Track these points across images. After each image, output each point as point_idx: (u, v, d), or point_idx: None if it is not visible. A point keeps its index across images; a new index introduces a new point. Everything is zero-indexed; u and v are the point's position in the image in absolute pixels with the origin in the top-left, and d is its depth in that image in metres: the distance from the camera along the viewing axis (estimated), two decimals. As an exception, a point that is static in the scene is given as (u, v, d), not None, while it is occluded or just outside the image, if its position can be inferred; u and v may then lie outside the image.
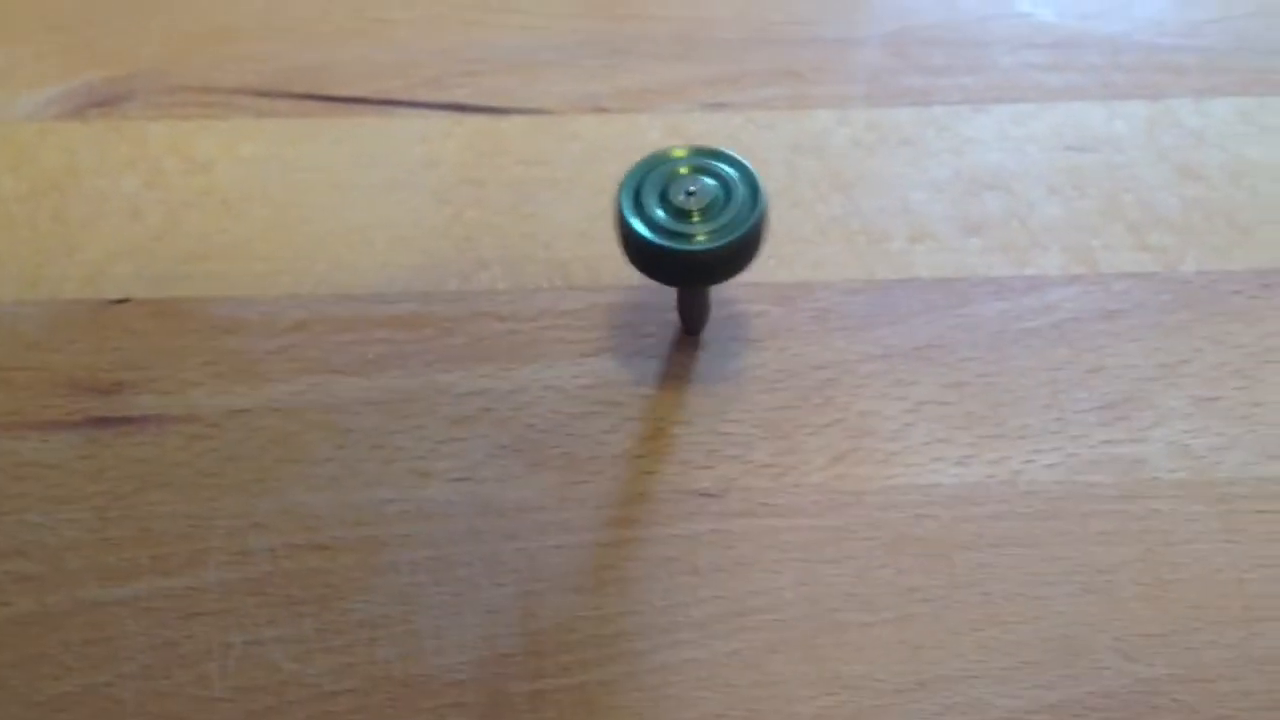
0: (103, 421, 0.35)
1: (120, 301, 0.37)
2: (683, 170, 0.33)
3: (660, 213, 0.32)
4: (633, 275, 0.37)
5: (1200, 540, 0.34)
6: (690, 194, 0.33)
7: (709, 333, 0.37)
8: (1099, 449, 0.35)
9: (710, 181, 0.33)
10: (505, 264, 0.39)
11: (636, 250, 0.33)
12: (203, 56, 0.43)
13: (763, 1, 0.46)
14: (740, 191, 0.33)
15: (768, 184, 0.38)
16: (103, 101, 0.42)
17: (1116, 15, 0.45)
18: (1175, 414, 0.36)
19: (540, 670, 0.32)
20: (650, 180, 0.33)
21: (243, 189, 0.40)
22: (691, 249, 0.32)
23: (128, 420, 0.35)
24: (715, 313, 0.37)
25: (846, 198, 0.40)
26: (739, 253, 0.33)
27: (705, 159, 0.33)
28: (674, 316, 0.37)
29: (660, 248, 0.32)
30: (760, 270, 0.38)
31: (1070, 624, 0.33)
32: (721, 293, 0.38)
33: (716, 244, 0.32)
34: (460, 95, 0.42)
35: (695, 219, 0.32)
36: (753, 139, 0.42)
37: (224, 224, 0.39)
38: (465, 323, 0.37)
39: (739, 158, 0.33)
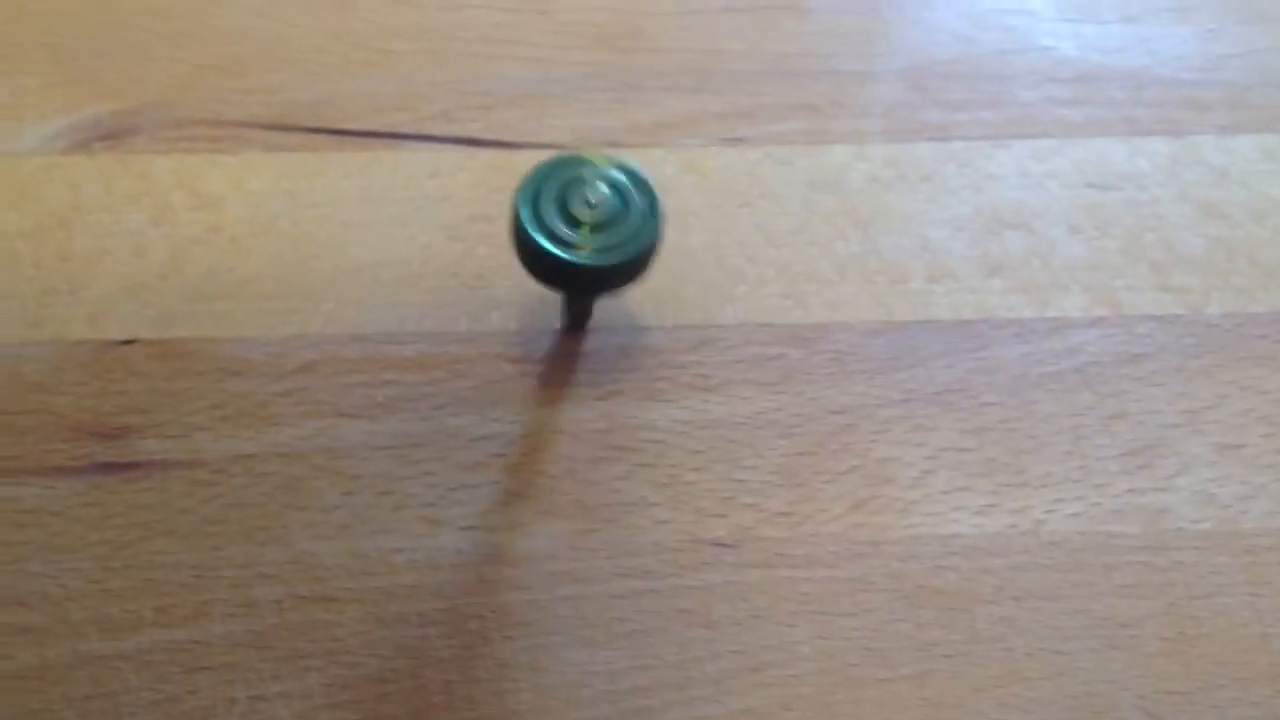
0: (107, 467, 0.34)
1: (126, 343, 0.36)
2: (586, 176, 0.32)
3: (556, 218, 0.32)
4: (645, 317, 0.36)
5: (1225, 593, 0.33)
6: (589, 205, 0.32)
7: (723, 374, 0.37)
8: (1122, 498, 0.35)
9: (610, 193, 0.32)
10: (517, 304, 0.38)
11: (526, 252, 0.32)
12: (210, 89, 0.42)
13: (777, 34, 0.45)
14: (638, 208, 0.32)
15: (784, 220, 0.38)
16: (109, 135, 0.41)
17: (1138, 50, 0.44)
18: (1200, 462, 0.35)
19: (551, 727, 0.31)
20: (551, 184, 0.32)
21: (251, 225, 0.39)
22: (576, 261, 0.31)
23: (132, 466, 0.34)
24: (731, 354, 0.37)
25: (864, 235, 0.40)
26: (626, 271, 0.32)
27: (614, 171, 0.33)
28: (686, 360, 0.37)
29: (546, 254, 0.31)
30: (777, 311, 0.37)
31: (1093, 680, 0.32)
32: (738, 334, 0.37)
33: (603, 260, 0.31)
34: (471, 129, 0.42)
35: (586, 231, 0.32)
36: (769, 174, 0.41)
37: (231, 261, 0.38)
38: (476, 364, 0.37)
39: (644, 175, 0.33)
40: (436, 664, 0.32)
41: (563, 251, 0.31)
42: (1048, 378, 0.37)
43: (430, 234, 0.39)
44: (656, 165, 0.41)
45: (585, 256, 0.31)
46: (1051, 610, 0.33)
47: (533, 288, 0.37)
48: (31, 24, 0.44)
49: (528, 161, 0.40)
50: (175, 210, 0.39)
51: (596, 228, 0.32)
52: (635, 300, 0.38)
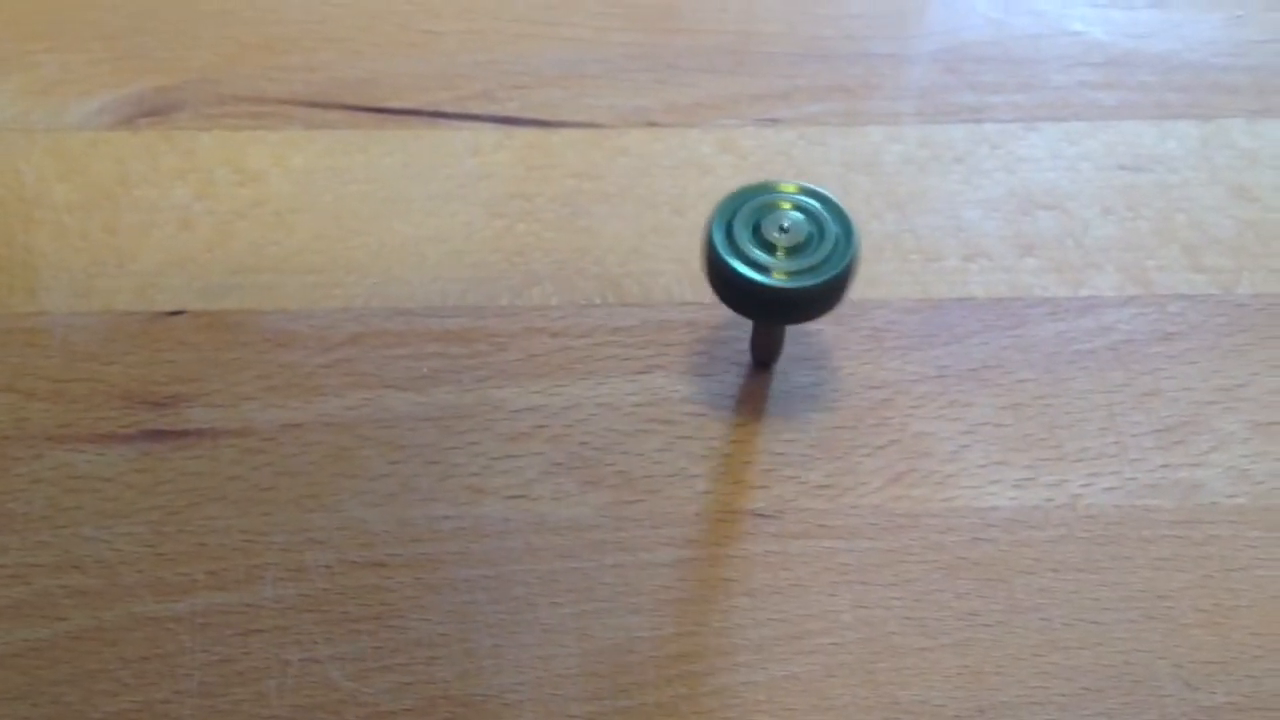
0: (157, 434, 0.35)
1: (174, 314, 0.37)
2: (782, 205, 0.33)
3: (750, 244, 0.32)
4: (684, 292, 0.37)
5: (1260, 567, 0.34)
6: (783, 230, 0.32)
7: (762, 351, 0.37)
8: (1157, 473, 0.35)
9: (803, 219, 0.33)
10: (557, 279, 0.38)
11: (718, 277, 0.33)
12: (253, 66, 0.43)
13: (812, 16, 0.45)
14: (833, 232, 0.32)
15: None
16: (153, 111, 0.41)
17: (1168, 34, 0.45)
18: (1233, 439, 0.36)
19: (597, 691, 0.32)
20: (746, 210, 0.33)
21: (294, 201, 0.40)
22: (770, 284, 0.32)
23: (182, 434, 0.35)
24: (769, 331, 0.37)
25: (900, 215, 0.40)
26: (821, 295, 0.32)
27: (804, 197, 0.33)
28: (726, 334, 0.37)
29: (740, 277, 0.32)
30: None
31: (1131, 651, 0.32)
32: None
33: (797, 284, 0.32)
34: (510, 108, 0.42)
35: (781, 255, 0.32)
36: (804, 155, 0.41)
37: (275, 236, 0.39)
38: (518, 338, 0.37)
39: (837, 201, 0.33)
40: (484, 628, 0.32)
41: (757, 275, 0.31)
42: (1082, 355, 0.37)
43: (471, 211, 0.40)
44: (693, 145, 0.41)
45: (779, 280, 0.32)
46: (1089, 582, 0.33)
47: (572, 263, 0.37)
48: (76, 2, 0.44)
49: (566, 141, 0.40)
50: (219, 185, 0.40)
51: (791, 252, 0.32)
52: (675, 277, 0.38)
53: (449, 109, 0.42)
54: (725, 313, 0.37)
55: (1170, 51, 0.44)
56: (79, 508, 0.34)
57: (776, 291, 0.32)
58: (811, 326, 0.38)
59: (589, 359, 0.37)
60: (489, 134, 0.42)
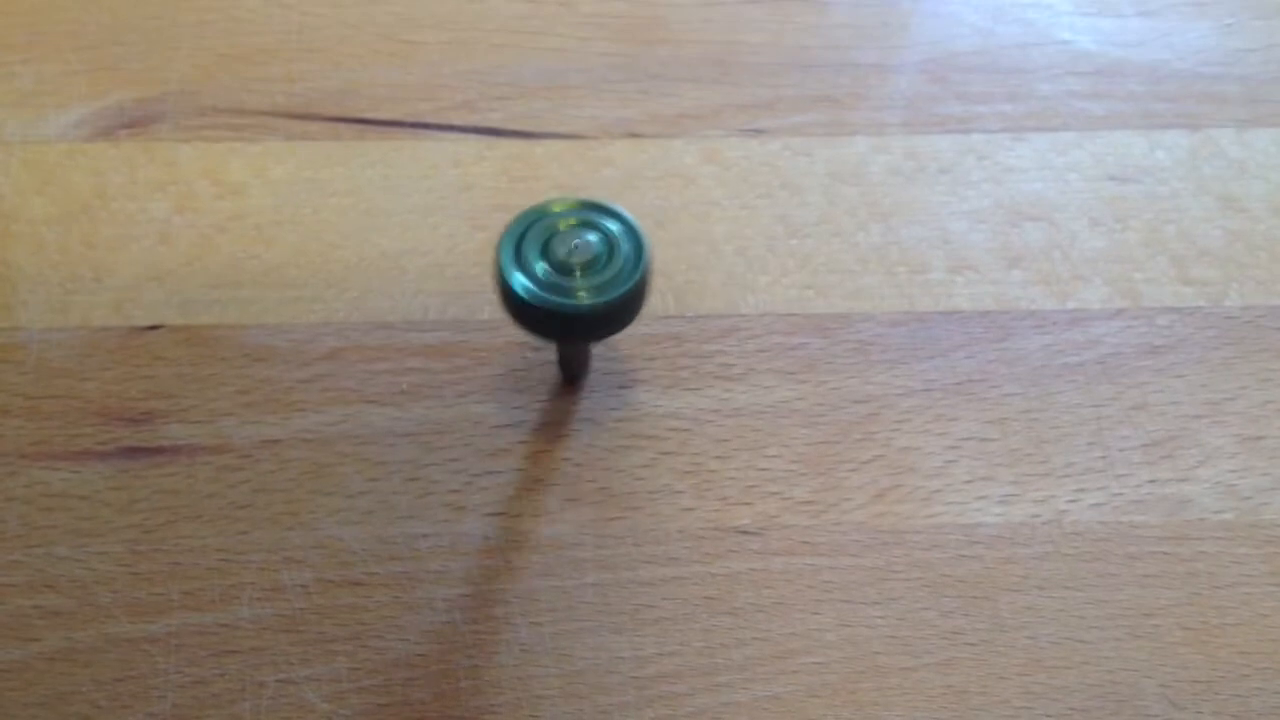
0: (134, 451, 0.34)
1: (152, 328, 0.37)
2: (564, 224, 0.32)
3: (541, 266, 0.31)
4: (667, 306, 0.37)
5: (1247, 584, 0.33)
6: (573, 249, 0.31)
7: (746, 363, 0.37)
8: (1144, 488, 0.35)
9: (593, 237, 0.32)
10: (540, 293, 0.38)
11: (514, 303, 0.31)
12: (233, 78, 0.42)
13: (797, 26, 0.45)
14: (623, 248, 0.32)
15: (805, 212, 0.38)
16: (133, 123, 0.41)
17: (1157, 44, 0.44)
18: (1221, 453, 0.35)
19: (578, 713, 0.31)
20: (533, 233, 0.32)
21: (274, 214, 0.39)
22: (569, 304, 0.31)
23: (159, 450, 0.34)
24: (754, 344, 0.37)
25: (886, 227, 0.40)
26: (621, 310, 0.31)
27: (590, 213, 0.32)
28: (710, 349, 0.37)
29: (539, 302, 0.31)
30: (798, 301, 0.37)
31: (1116, 670, 0.32)
32: (760, 324, 0.37)
33: (596, 300, 0.31)
34: (493, 119, 0.42)
35: (577, 274, 0.31)
36: (789, 165, 0.41)
37: (255, 249, 0.38)
38: (499, 352, 0.37)
39: (624, 213, 0.32)
40: (463, 649, 0.32)
41: (555, 297, 0.31)
42: (1069, 369, 0.37)
43: (453, 223, 0.39)
44: (677, 155, 0.41)
45: (583, 300, 0.31)
46: (1075, 600, 0.33)
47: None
48: (53, 12, 0.44)
49: (548, 152, 0.40)
50: (199, 198, 0.40)
51: (586, 269, 0.31)
52: (658, 290, 0.38)
53: (430, 120, 0.42)
54: (712, 326, 0.36)
55: (1159, 61, 0.44)
56: (53, 526, 0.33)
57: (576, 311, 0.31)
58: (796, 339, 0.37)
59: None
60: (471, 145, 0.41)
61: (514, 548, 0.33)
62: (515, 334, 0.37)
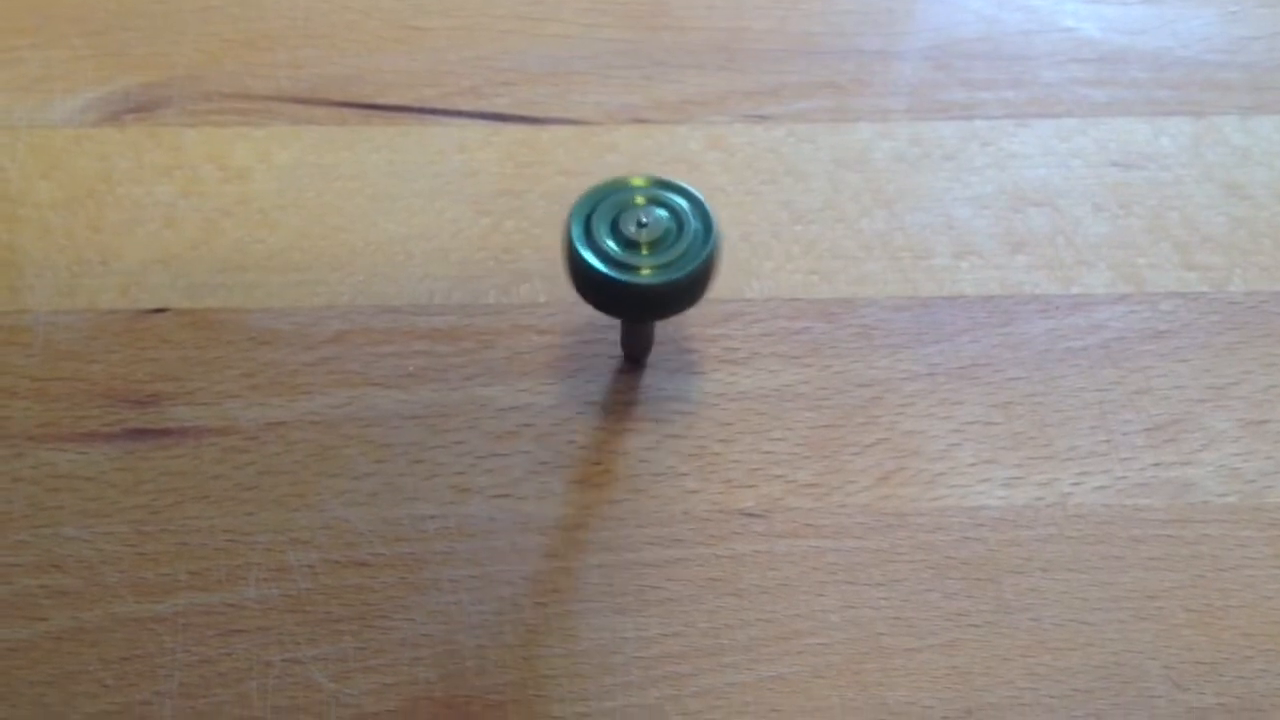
0: (140, 433, 0.35)
1: (157, 311, 0.37)
2: (637, 200, 0.32)
3: (610, 243, 0.31)
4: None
5: (1251, 566, 0.33)
6: (641, 225, 0.31)
7: (751, 347, 0.37)
8: (1148, 471, 0.35)
9: (662, 213, 0.32)
10: (545, 276, 0.38)
11: (582, 279, 0.32)
12: (239, 63, 0.42)
13: (801, 12, 0.45)
14: (693, 226, 0.32)
15: (809, 197, 0.38)
16: (139, 108, 0.41)
17: (1161, 31, 0.45)
18: (1225, 437, 0.35)
19: (583, 692, 0.31)
20: (603, 209, 0.32)
21: (279, 198, 0.39)
22: (635, 281, 0.31)
23: (165, 432, 0.35)
24: (758, 328, 0.37)
25: (889, 212, 0.40)
26: (686, 288, 0.31)
27: (660, 190, 0.32)
28: (715, 333, 0.37)
29: (605, 278, 0.31)
30: (803, 286, 0.37)
31: (1120, 651, 0.32)
32: (765, 309, 0.37)
33: (662, 279, 0.31)
34: (498, 104, 0.42)
35: (644, 251, 0.31)
36: (794, 152, 0.41)
37: (260, 233, 0.39)
38: (505, 336, 0.37)
39: (695, 191, 0.32)
40: (468, 629, 0.32)
41: (619, 274, 0.31)
42: (1072, 353, 0.37)
43: (458, 208, 0.39)
44: (681, 141, 0.41)
45: (647, 277, 0.31)
46: (1079, 582, 0.33)
47: (559, 259, 0.37)
48: (60, -3, 0.44)
49: (554, 138, 0.40)
50: (204, 182, 0.40)
51: (654, 246, 0.31)
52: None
53: (436, 105, 0.42)
54: (717, 310, 0.36)
55: (1163, 48, 0.44)
56: (60, 507, 0.33)
57: (642, 289, 0.31)
58: (800, 323, 0.37)
59: (577, 356, 0.37)
60: (476, 131, 0.41)
61: (519, 529, 0.33)
62: (521, 318, 0.37)
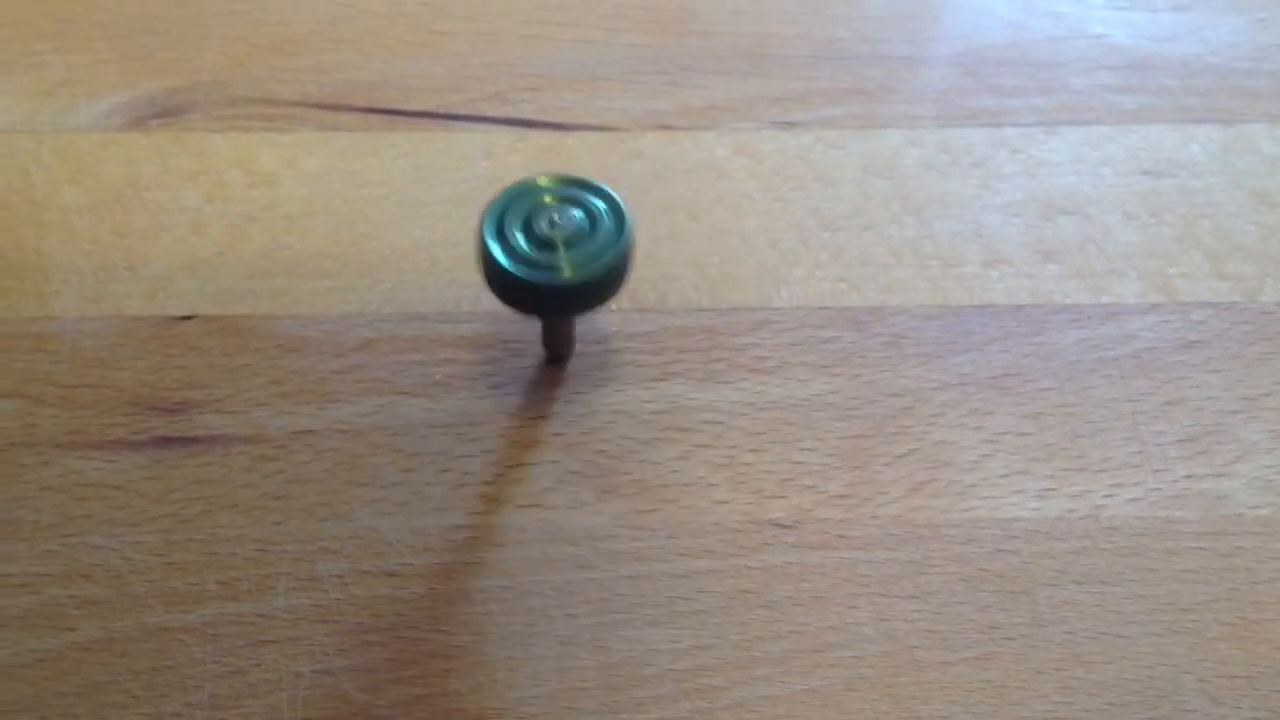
0: (168, 441, 0.34)
1: (185, 318, 0.36)
2: (548, 200, 0.32)
3: (523, 242, 0.32)
4: (700, 298, 0.36)
5: (1285, 579, 0.33)
6: (553, 224, 0.32)
7: (780, 356, 0.36)
8: (1181, 483, 0.35)
9: (576, 212, 0.32)
10: (573, 284, 0.38)
11: (496, 278, 0.32)
12: (264, 68, 0.42)
13: (827, 18, 0.45)
14: (605, 224, 0.32)
15: (838, 205, 0.38)
16: (164, 112, 0.41)
17: (1189, 38, 0.44)
18: (1258, 448, 0.35)
19: (615, 705, 0.31)
20: (515, 209, 0.32)
21: (306, 204, 0.39)
22: (550, 280, 0.31)
23: (193, 440, 0.34)
24: (787, 337, 0.37)
25: (919, 220, 0.40)
26: (602, 284, 0.32)
27: (572, 189, 0.32)
28: (743, 342, 0.37)
29: (518, 277, 0.31)
30: (832, 294, 0.37)
31: (1155, 664, 0.32)
32: (793, 317, 0.37)
33: (577, 276, 0.31)
34: (524, 110, 0.42)
35: (559, 249, 0.31)
36: (822, 158, 0.41)
37: (288, 239, 0.38)
38: (533, 344, 0.37)
39: (607, 189, 0.33)
40: (499, 640, 0.32)
41: (535, 273, 0.31)
42: (1104, 363, 0.37)
43: (485, 214, 0.39)
44: (709, 148, 0.41)
45: (565, 275, 0.31)
46: (1113, 595, 0.33)
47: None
48: (84, 2, 0.44)
49: (580, 144, 0.40)
50: (231, 188, 0.39)
51: (569, 244, 0.31)
52: (691, 282, 0.38)
53: (461, 111, 0.42)
54: (745, 319, 0.36)
55: (1192, 55, 0.44)
56: (88, 516, 0.33)
57: (558, 288, 0.31)
58: (829, 332, 0.37)
59: (604, 365, 0.36)
60: (502, 136, 0.41)
61: (549, 540, 0.33)
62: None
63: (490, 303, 0.36)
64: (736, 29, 0.44)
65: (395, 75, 0.42)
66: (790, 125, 0.42)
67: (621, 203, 0.32)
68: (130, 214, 0.39)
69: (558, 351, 0.36)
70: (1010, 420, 0.36)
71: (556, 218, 0.32)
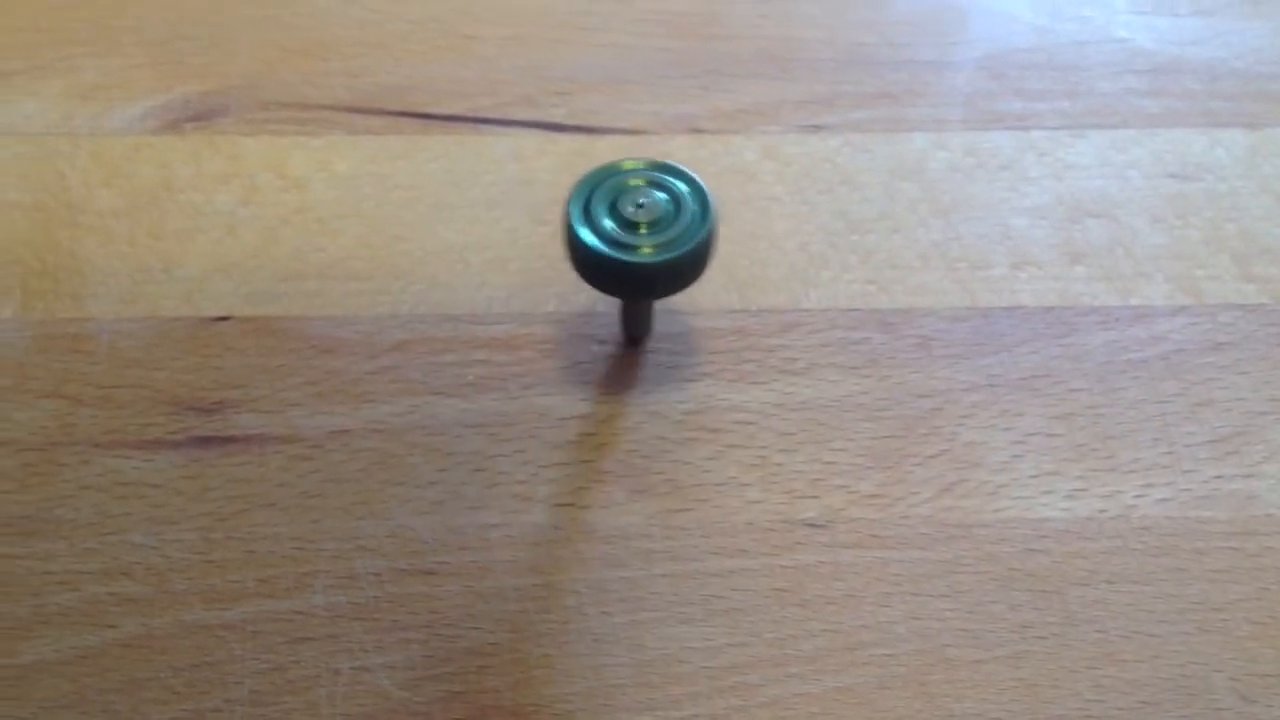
0: (205, 441, 0.35)
1: (220, 319, 0.37)
2: (634, 182, 0.33)
3: (609, 223, 0.32)
4: (731, 300, 0.37)
5: (1316, 579, 0.33)
6: (639, 206, 0.32)
7: (810, 357, 0.37)
8: (1211, 484, 0.35)
9: (661, 195, 0.32)
10: (604, 286, 0.38)
11: (581, 258, 0.32)
12: (295, 72, 0.43)
13: (853, 22, 0.45)
14: (690, 207, 0.32)
15: (866, 207, 0.38)
16: (197, 116, 0.41)
17: (1214, 42, 0.45)
18: (1287, 450, 0.35)
19: (650, 702, 0.31)
20: (601, 191, 0.32)
21: (338, 207, 0.40)
22: (634, 260, 0.31)
23: (230, 440, 0.35)
24: (817, 338, 0.37)
25: (946, 223, 0.40)
26: (684, 267, 0.32)
27: (658, 173, 0.33)
28: (773, 343, 0.37)
29: (604, 257, 0.31)
30: (861, 296, 0.37)
31: (1186, 663, 0.32)
32: (823, 319, 0.37)
33: (661, 257, 0.31)
34: (554, 114, 0.42)
35: (643, 231, 0.32)
36: (849, 162, 0.41)
37: (321, 242, 0.39)
38: (564, 344, 0.37)
39: (693, 174, 0.33)
40: (535, 638, 0.32)
41: (620, 253, 0.31)
42: (1133, 365, 0.37)
43: (515, 217, 0.40)
44: (737, 151, 0.41)
45: (646, 256, 0.31)
46: (1144, 594, 0.33)
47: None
48: (117, 6, 0.44)
49: (609, 147, 0.40)
50: (263, 191, 0.40)
51: (652, 226, 0.32)
52: (721, 284, 0.38)
53: (491, 115, 0.42)
54: (775, 320, 0.36)
55: (1216, 59, 0.44)
56: (128, 514, 0.33)
57: (640, 267, 0.31)
58: (859, 333, 0.37)
59: (636, 366, 0.37)
60: (531, 140, 0.42)
61: (583, 538, 0.34)
62: (580, 326, 0.37)
63: (522, 304, 0.37)
64: (763, 33, 0.45)
65: (425, 79, 0.43)
66: (817, 129, 0.42)
67: (706, 188, 0.32)
68: (165, 216, 0.39)
69: (634, 333, 0.36)
70: (1040, 421, 0.36)
71: (642, 200, 0.32)
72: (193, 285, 0.38)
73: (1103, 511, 0.34)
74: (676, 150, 0.41)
